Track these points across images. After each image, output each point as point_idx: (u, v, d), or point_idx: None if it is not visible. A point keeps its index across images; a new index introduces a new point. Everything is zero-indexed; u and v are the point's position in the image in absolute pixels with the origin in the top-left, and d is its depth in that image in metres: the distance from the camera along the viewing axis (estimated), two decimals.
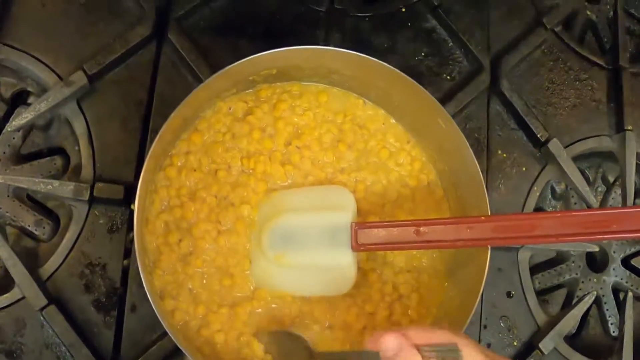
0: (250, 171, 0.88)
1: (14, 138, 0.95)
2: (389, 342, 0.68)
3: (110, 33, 0.98)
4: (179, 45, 0.97)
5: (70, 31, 0.99)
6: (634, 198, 1.06)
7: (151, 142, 0.80)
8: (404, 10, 1.07)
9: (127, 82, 0.97)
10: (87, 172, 0.94)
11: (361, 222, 0.84)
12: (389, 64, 0.86)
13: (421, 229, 0.80)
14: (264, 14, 1.03)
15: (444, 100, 1.01)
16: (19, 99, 0.99)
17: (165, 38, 0.98)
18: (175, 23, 0.98)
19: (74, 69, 0.95)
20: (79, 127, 0.95)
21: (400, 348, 0.68)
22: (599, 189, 1.10)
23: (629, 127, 1.08)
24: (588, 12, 1.19)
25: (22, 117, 0.94)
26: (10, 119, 0.95)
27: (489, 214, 0.83)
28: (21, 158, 0.96)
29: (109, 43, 0.97)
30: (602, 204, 1.08)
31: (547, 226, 0.78)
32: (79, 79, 0.94)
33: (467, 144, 0.85)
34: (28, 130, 0.96)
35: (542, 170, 1.05)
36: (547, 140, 1.03)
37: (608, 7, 1.19)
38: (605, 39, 1.17)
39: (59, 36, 0.98)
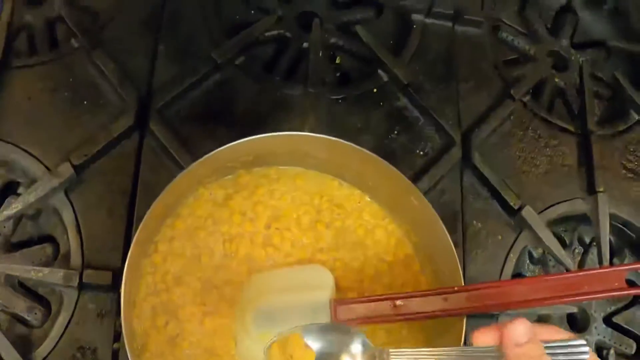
0: (233, 254, 0.90)
1: (4, 227, 0.98)
2: (522, 326, 0.65)
3: (95, 124, 1.01)
4: (160, 135, 1.00)
5: (56, 123, 1.02)
6: (611, 257, 1.08)
7: (136, 229, 0.82)
8: (375, 90, 1.11)
9: (112, 171, 1.00)
10: (76, 259, 0.95)
11: (340, 299, 0.86)
12: (363, 143, 0.89)
13: (397, 302, 0.83)
14: (241, 101, 1.06)
15: (418, 175, 1.04)
16: (9, 189, 1.01)
17: (147, 128, 1.01)
18: (156, 113, 1.02)
19: (60, 160, 0.98)
20: (67, 216, 0.97)
21: (529, 338, 0.65)
22: (576, 251, 1.12)
23: (601, 189, 1.10)
24: (556, 80, 1.23)
25: (12, 208, 0.96)
26: (1, 209, 0.97)
27: (463, 284, 0.86)
28: (12, 246, 0.98)
29: (93, 134, 1.00)
30: (580, 265, 1.10)
31: (519, 292, 0.81)
32: (66, 170, 0.97)
33: (439, 219, 0.88)
34: (18, 219, 0.99)
35: (517, 237, 1.06)
36: (520, 208, 1.05)
37: (575, 73, 1.23)
38: (574, 105, 1.20)
39: (45, 128, 1.01)
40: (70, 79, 1.05)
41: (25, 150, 0.99)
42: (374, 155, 0.89)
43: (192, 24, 1.11)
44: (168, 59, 1.07)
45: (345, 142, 0.89)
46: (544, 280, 0.82)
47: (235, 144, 0.86)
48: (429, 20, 1.19)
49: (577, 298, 0.81)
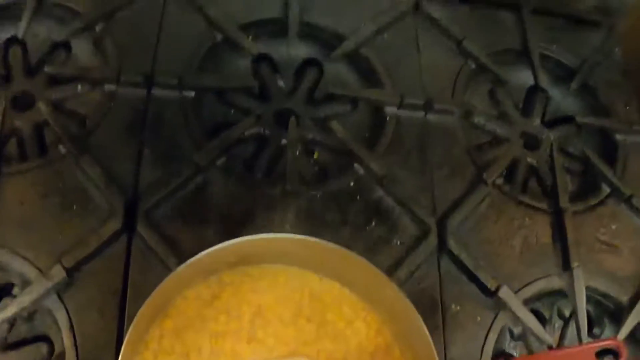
0: (220, 351, 0.93)
1: (0, 329, 1.00)
2: None
3: (85, 228, 1.04)
4: (147, 238, 1.03)
5: (48, 227, 1.04)
6: (590, 328, 1.12)
7: (128, 327, 0.86)
8: (352, 184, 1.15)
9: (103, 273, 1.03)
10: (70, 358, 0.97)
11: None
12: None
13: None
14: (223, 201, 1.09)
15: (395, 265, 1.07)
16: (3, 291, 1.03)
17: (134, 231, 1.04)
18: (143, 215, 1.05)
19: (53, 262, 1.00)
20: (61, 317, 0.99)
21: None
22: (556, 325, 1.14)
23: (576, 264, 1.13)
24: (529, 159, 1.26)
25: (8, 311, 0.99)
26: None
27: None
28: (7, 347, 1.00)
29: (83, 237, 1.03)
30: (561, 338, 1.12)
31: None
32: (58, 273, 0.99)
33: (415, 310, 0.91)
34: (13, 320, 1.01)
35: (495, 317, 1.09)
36: (497, 289, 1.08)
37: (547, 151, 1.27)
38: (548, 182, 1.24)
39: (38, 232, 1.04)
40: (60, 185, 1.08)
41: (19, 254, 1.02)
42: (350, 252, 0.94)
43: (174, 127, 1.14)
44: (152, 163, 1.10)
45: (323, 241, 0.93)
46: None
47: (218, 247, 0.90)
48: (401, 112, 1.23)
49: None
